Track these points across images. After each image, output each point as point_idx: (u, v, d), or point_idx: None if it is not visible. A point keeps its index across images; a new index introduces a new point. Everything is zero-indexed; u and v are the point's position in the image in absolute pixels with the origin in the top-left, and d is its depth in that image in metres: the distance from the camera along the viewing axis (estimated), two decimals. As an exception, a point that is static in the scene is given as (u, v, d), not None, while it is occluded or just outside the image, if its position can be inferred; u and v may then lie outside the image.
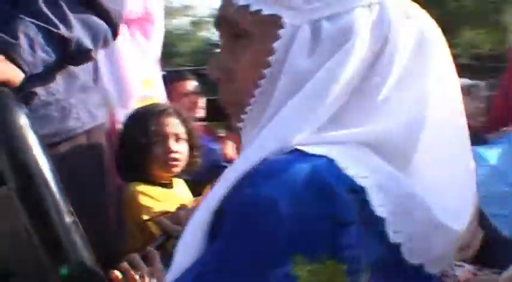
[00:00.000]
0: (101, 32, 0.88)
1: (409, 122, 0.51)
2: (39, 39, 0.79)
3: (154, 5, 1.70)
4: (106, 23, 0.89)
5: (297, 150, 0.47)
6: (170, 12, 12.61)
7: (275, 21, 0.51)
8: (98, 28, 0.87)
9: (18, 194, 0.68)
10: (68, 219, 0.68)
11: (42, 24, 0.79)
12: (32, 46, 0.78)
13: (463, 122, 0.58)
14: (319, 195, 0.44)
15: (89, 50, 0.86)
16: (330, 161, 0.46)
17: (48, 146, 0.88)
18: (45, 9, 0.80)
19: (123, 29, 1.57)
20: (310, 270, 0.43)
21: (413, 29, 0.54)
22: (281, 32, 0.50)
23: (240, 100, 0.54)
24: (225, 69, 0.55)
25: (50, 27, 0.80)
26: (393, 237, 0.48)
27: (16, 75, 0.76)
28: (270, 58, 0.51)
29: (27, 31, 0.78)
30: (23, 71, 0.78)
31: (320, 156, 0.46)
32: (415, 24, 0.54)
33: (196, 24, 13.48)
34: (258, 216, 0.43)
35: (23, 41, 0.77)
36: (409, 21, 0.54)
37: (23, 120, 0.71)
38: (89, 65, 0.97)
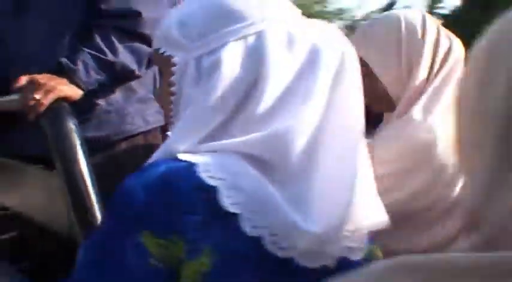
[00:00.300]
0: (144, 55, 1.11)
1: (280, 134, 0.60)
2: (92, 64, 1.06)
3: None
4: (150, 47, 1.12)
5: (176, 156, 0.61)
6: (325, 16, 12.72)
7: (171, 60, 0.65)
8: (141, 52, 1.11)
9: (63, 177, 0.95)
10: (94, 196, 0.93)
11: (95, 53, 1.06)
12: (87, 70, 1.05)
13: (352, 138, 0.64)
14: (165, 189, 0.57)
15: (133, 70, 1.10)
16: (192, 165, 0.59)
17: (111, 143, 1.17)
18: (99, 42, 1.07)
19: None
20: (156, 242, 0.57)
21: (297, 53, 0.62)
22: (174, 68, 0.65)
23: (169, 121, 0.71)
24: (157, 96, 0.73)
25: (101, 55, 1.06)
26: (250, 231, 0.58)
27: (75, 93, 1.04)
28: (172, 89, 0.66)
29: (84, 59, 1.05)
30: (81, 89, 1.05)
31: (185, 161, 0.59)
32: (302, 48, 0.62)
33: (351, 27, 13.37)
34: (119, 200, 0.60)
35: (80, 66, 1.05)
36: (293, 45, 0.62)
37: (71, 127, 0.98)
38: (149, 81, 1.22)
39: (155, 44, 0.69)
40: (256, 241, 0.59)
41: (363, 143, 0.65)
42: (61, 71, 1.06)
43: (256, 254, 0.59)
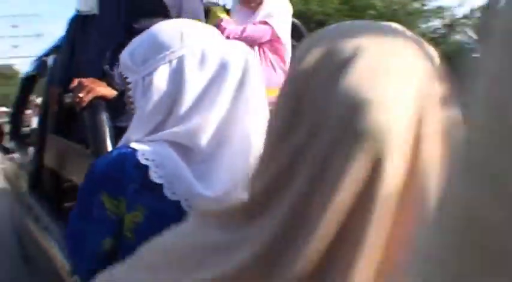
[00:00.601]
0: None
1: (195, 128, 0.83)
2: None
3: (283, 31, 2.10)
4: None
5: (129, 145, 0.86)
6: (423, 14, 12.07)
7: (127, 80, 0.90)
8: None
9: (92, 154, 1.25)
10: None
11: None
12: (121, 74, 1.35)
13: (255, 126, 0.83)
14: (116, 166, 0.82)
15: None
16: (135, 150, 0.83)
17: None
18: (131, 53, 1.37)
19: (255, 48, 2.04)
20: (111, 201, 0.83)
21: (209, 69, 0.84)
22: (129, 86, 0.89)
23: None
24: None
25: None
26: (171, 196, 0.82)
27: (110, 93, 1.35)
28: (131, 100, 0.90)
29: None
30: (115, 89, 1.36)
31: (132, 148, 0.84)
32: (212, 64, 0.84)
33: (450, 26, 12.39)
34: (91, 171, 0.86)
35: (115, 72, 1.35)
36: (206, 63, 0.84)
37: (103, 119, 1.28)
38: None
39: (120, 68, 0.94)
40: (177, 204, 0.82)
41: (244, 142, 0.84)
42: (103, 76, 1.37)
43: (177, 213, 0.81)
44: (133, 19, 1.40)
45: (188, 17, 1.42)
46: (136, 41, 0.91)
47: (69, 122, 1.65)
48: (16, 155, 2.93)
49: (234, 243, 0.47)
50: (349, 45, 0.43)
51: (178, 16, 1.39)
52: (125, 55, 0.90)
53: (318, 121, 0.42)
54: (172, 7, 1.39)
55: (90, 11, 1.51)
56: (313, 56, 0.44)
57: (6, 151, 3.22)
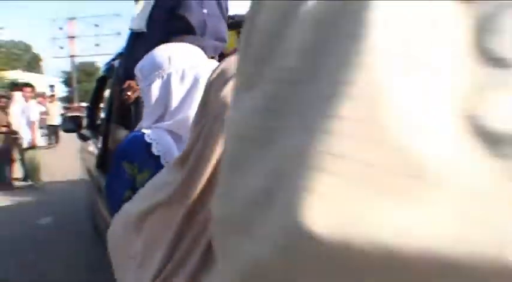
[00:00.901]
0: None
1: (181, 121, 1.24)
2: None
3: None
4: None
5: (141, 130, 1.28)
6: None
7: (138, 86, 1.31)
8: None
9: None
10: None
11: None
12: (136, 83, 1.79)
13: None
14: (131, 144, 1.25)
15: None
16: (144, 133, 1.25)
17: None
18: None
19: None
20: (129, 166, 1.25)
21: (187, 82, 1.24)
22: (140, 91, 1.31)
23: None
24: None
25: None
26: (164, 164, 1.23)
27: (150, 92, 1.79)
28: (142, 100, 1.32)
29: None
30: (154, 90, 1.79)
31: (141, 132, 1.26)
32: (189, 78, 1.24)
33: None
34: (117, 148, 1.29)
35: (154, 77, 1.79)
36: (185, 78, 1.24)
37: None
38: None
39: (135, 78, 1.36)
40: None
41: None
42: (146, 79, 1.82)
43: None
44: (169, 36, 1.82)
45: (211, 35, 1.84)
46: (144, 59, 1.32)
47: (125, 114, 2.12)
48: (91, 143, 3.52)
49: (170, 182, 0.86)
50: (233, 67, 0.80)
51: (203, 34, 1.80)
52: (136, 69, 1.33)
53: (210, 113, 0.80)
54: (198, 27, 1.80)
55: (140, 29, 1.96)
56: (215, 72, 0.82)
57: (84, 138, 3.83)
